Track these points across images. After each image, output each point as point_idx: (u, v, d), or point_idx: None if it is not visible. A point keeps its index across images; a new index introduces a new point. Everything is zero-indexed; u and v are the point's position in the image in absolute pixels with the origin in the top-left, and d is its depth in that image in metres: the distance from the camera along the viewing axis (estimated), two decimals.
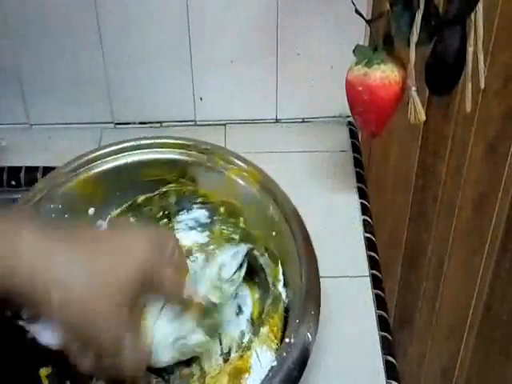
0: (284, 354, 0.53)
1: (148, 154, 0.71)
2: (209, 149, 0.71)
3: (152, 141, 0.72)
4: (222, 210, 0.70)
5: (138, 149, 0.71)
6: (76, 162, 0.70)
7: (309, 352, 0.54)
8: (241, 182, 0.69)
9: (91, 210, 0.70)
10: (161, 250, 0.56)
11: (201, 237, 0.72)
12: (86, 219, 0.69)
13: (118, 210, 0.70)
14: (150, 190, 0.71)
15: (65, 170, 0.70)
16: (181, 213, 0.72)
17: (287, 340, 0.54)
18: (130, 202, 0.71)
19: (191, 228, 0.72)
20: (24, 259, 0.49)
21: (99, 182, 0.70)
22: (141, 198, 0.71)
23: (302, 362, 0.54)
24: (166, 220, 0.72)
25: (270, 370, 0.52)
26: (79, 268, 0.51)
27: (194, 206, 0.72)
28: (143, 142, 0.72)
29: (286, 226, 0.64)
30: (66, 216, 0.68)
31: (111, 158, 0.71)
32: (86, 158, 0.70)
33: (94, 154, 0.71)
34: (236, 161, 0.70)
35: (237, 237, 0.70)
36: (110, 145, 0.71)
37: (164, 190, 0.71)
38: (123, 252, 0.54)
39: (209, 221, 0.72)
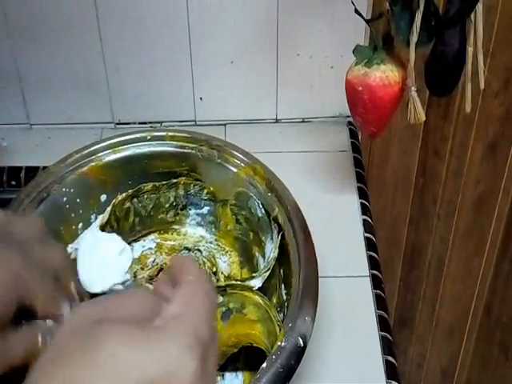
0: (274, 357, 0.54)
1: (160, 145, 0.72)
2: (220, 145, 0.71)
3: (164, 133, 0.72)
4: (227, 208, 0.71)
5: (151, 140, 0.71)
6: (90, 148, 0.70)
7: (299, 356, 0.55)
8: (249, 180, 0.69)
9: (103, 197, 0.70)
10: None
11: (207, 233, 0.73)
12: (98, 205, 0.69)
13: (123, 195, 0.70)
14: (161, 180, 0.72)
15: (78, 155, 0.70)
16: (189, 207, 0.73)
17: (279, 343, 0.55)
18: (135, 188, 0.71)
19: (198, 224, 0.73)
20: None
21: (112, 170, 0.70)
22: (148, 186, 0.71)
23: (292, 366, 0.54)
24: (173, 212, 0.73)
25: (258, 372, 0.53)
26: None
27: (202, 202, 0.72)
28: (156, 133, 0.72)
29: (289, 226, 0.64)
30: (78, 200, 0.68)
31: (125, 147, 0.71)
32: (100, 145, 0.71)
33: (107, 142, 0.71)
34: (246, 159, 0.70)
35: (242, 236, 0.70)
36: (124, 134, 0.72)
37: (173, 181, 0.72)
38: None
39: (215, 218, 0.72)
